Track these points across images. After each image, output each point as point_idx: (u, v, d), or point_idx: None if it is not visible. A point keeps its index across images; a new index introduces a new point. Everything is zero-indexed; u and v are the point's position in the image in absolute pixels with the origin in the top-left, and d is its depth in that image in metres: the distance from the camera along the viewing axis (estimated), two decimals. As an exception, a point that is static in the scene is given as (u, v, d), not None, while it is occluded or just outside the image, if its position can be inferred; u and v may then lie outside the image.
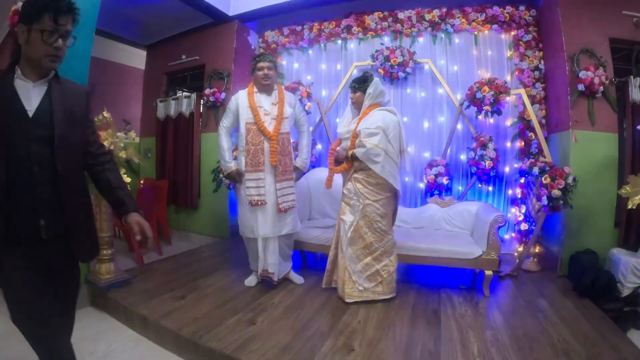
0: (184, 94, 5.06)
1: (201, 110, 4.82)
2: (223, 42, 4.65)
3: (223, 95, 4.49)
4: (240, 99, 2.86)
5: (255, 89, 2.88)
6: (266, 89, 2.87)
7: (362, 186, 2.64)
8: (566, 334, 2.28)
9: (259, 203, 2.79)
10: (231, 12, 4.54)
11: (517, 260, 3.41)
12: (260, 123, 2.78)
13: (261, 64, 2.81)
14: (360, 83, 2.75)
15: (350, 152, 2.65)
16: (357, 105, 2.79)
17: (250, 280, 3.02)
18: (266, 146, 2.81)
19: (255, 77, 2.85)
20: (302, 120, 3.14)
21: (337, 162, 2.80)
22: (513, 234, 3.90)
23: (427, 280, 3.29)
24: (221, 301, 2.67)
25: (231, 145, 2.95)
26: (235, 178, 2.91)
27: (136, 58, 5.75)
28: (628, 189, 1.42)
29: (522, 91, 3.64)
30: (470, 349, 2.09)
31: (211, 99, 4.50)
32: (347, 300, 2.65)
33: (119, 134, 2.61)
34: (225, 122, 2.91)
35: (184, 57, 4.90)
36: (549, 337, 2.24)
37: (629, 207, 1.41)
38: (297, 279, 3.10)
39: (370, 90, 2.69)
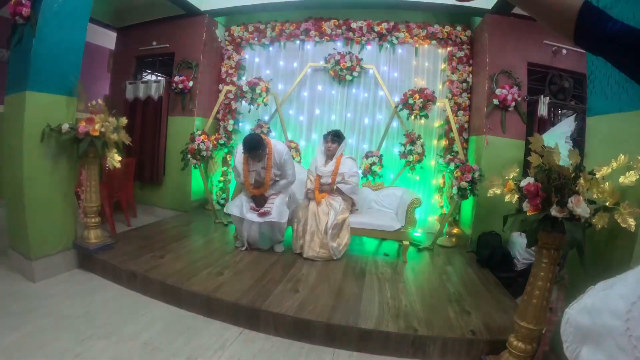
0: (154, 78, 5.30)
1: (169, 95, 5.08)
2: (193, 34, 4.93)
3: (191, 83, 4.85)
4: (237, 161, 3.37)
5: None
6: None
7: (340, 199, 3.57)
8: (461, 289, 2.93)
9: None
10: (203, 7, 4.83)
11: (433, 237, 4.17)
12: (249, 187, 3.41)
13: None
14: (339, 137, 3.77)
15: (335, 187, 3.66)
16: (330, 153, 3.76)
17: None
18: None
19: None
20: (286, 173, 3.52)
21: (321, 191, 3.68)
22: (436, 217, 4.66)
23: (360, 249, 3.97)
24: (194, 259, 3.18)
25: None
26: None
27: (105, 38, 5.88)
28: (488, 182, 2.07)
29: (445, 101, 4.34)
30: (384, 293, 2.77)
31: (180, 86, 4.83)
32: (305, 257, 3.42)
33: (110, 118, 2.89)
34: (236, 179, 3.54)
35: (154, 43, 5.13)
36: (447, 290, 2.91)
37: (488, 195, 2.07)
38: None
39: (342, 145, 3.77)
